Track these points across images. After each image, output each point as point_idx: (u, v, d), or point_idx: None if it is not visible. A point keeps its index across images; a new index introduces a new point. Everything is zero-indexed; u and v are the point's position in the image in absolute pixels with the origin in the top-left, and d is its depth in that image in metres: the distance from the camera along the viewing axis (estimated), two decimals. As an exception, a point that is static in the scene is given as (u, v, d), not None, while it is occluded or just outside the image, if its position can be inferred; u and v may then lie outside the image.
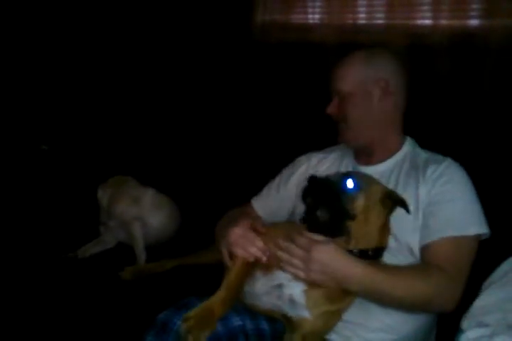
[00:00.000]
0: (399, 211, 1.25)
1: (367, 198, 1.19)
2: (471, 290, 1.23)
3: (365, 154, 1.42)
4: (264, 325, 1.30)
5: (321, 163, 1.50)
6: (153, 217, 1.93)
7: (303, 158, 1.54)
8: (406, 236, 1.28)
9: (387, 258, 1.25)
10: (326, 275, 1.15)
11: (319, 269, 1.15)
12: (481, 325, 1.10)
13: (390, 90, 1.36)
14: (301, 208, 1.36)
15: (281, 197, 1.52)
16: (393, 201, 1.22)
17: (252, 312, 1.28)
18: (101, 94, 2.62)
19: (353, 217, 1.18)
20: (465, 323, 1.14)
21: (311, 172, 1.45)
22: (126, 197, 1.93)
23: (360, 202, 1.18)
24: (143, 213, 1.91)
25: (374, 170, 1.38)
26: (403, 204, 1.21)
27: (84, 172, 2.36)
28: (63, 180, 2.35)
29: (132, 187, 1.96)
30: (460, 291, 1.22)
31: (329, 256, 1.15)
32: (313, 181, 1.20)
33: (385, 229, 1.23)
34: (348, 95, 1.37)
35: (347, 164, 1.46)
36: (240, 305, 1.28)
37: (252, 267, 1.26)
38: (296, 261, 1.17)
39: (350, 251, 1.18)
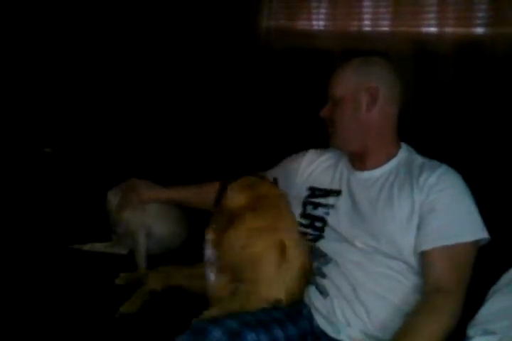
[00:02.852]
0: (390, 214, 1.30)
1: None
2: (476, 297, 1.23)
3: (358, 159, 1.45)
4: (279, 333, 1.28)
5: (320, 163, 1.56)
6: (160, 226, 1.90)
7: (305, 154, 1.61)
8: (397, 239, 1.30)
9: (379, 260, 1.28)
10: None
11: None
12: (487, 332, 1.11)
13: (380, 98, 1.38)
14: (297, 204, 1.50)
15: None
16: None
17: (264, 323, 1.28)
18: (106, 96, 2.61)
19: None
20: (471, 331, 1.14)
21: (310, 169, 1.54)
22: (133, 204, 1.91)
23: None
24: (149, 221, 1.88)
25: (369, 175, 1.42)
26: None
27: (90, 175, 2.34)
28: (68, 183, 2.33)
29: None
30: (463, 301, 1.23)
31: None
32: None
33: None
34: (339, 100, 1.41)
35: (342, 168, 1.50)
36: (252, 319, 1.27)
37: None
38: None
39: None
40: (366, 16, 2.03)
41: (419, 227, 1.29)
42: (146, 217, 1.88)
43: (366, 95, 1.38)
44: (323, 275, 1.39)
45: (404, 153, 1.44)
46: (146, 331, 1.49)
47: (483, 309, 1.16)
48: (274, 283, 1.36)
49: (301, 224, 1.49)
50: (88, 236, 2.01)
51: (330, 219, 1.44)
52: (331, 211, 1.44)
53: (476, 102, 1.82)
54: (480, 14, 1.82)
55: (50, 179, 2.38)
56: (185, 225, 1.96)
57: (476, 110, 1.82)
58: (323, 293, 1.38)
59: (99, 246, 1.99)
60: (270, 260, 1.36)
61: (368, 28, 2.04)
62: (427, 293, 1.25)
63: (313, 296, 1.39)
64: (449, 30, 1.87)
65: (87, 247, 1.97)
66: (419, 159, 1.41)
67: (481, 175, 1.53)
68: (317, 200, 1.49)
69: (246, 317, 1.27)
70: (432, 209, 1.29)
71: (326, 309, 1.35)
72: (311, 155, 1.60)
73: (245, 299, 1.35)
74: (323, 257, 1.41)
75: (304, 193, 1.53)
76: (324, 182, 1.51)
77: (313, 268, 1.43)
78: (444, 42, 1.87)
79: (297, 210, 1.51)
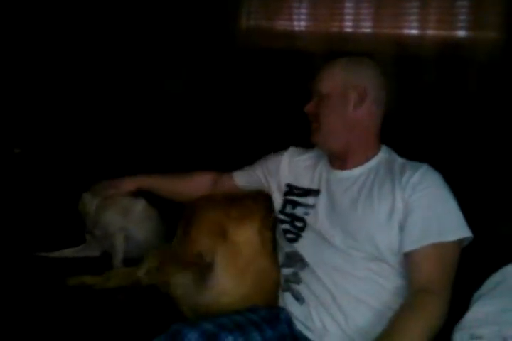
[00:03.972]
0: (370, 212, 1.29)
1: None
2: (460, 301, 1.23)
3: (338, 158, 1.44)
4: (256, 337, 1.27)
5: (300, 161, 1.55)
6: (139, 230, 1.87)
7: (285, 151, 1.60)
8: (377, 237, 1.28)
9: (358, 262, 1.28)
10: None
11: None
12: (474, 337, 1.10)
13: (367, 97, 1.38)
14: (277, 201, 1.51)
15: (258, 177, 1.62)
16: None
17: (241, 326, 1.27)
18: (76, 95, 2.56)
19: None
20: (457, 335, 1.14)
21: (290, 166, 1.54)
22: (115, 206, 1.87)
23: None
24: (129, 225, 1.85)
25: (349, 175, 1.41)
26: None
27: (61, 177, 2.28)
28: (38, 185, 2.27)
29: (124, 197, 1.89)
30: (449, 301, 1.22)
31: None
32: None
33: None
34: (326, 96, 1.40)
35: (322, 168, 1.48)
36: (229, 321, 1.27)
37: None
38: None
39: None
40: (348, 17, 2.02)
41: (402, 227, 1.28)
42: (126, 221, 1.84)
43: (354, 93, 1.38)
44: (299, 281, 1.38)
45: (384, 153, 1.43)
46: (123, 333, 1.46)
47: (470, 313, 1.15)
48: None
49: (282, 220, 1.48)
50: (59, 241, 1.95)
51: (309, 219, 1.42)
52: (310, 211, 1.43)
53: (458, 104, 1.83)
54: (461, 17, 1.83)
55: (19, 181, 2.32)
56: (163, 229, 1.93)
57: (457, 112, 1.83)
58: (298, 299, 1.36)
59: (68, 252, 1.93)
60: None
61: (349, 30, 2.03)
62: (412, 294, 1.24)
63: (289, 303, 1.38)
64: (430, 32, 1.87)
65: (54, 254, 1.91)
66: (399, 159, 1.41)
67: (462, 178, 1.52)
68: (296, 199, 1.48)
69: (222, 320, 1.27)
70: (415, 208, 1.28)
71: (303, 315, 1.34)
72: (291, 152, 1.59)
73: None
74: (301, 261, 1.39)
75: (283, 190, 1.53)
76: (303, 181, 1.50)
77: (289, 275, 1.42)
78: (426, 44, 1.87)
79: (278, 207, 1.52)
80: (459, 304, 1.22)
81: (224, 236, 1.49)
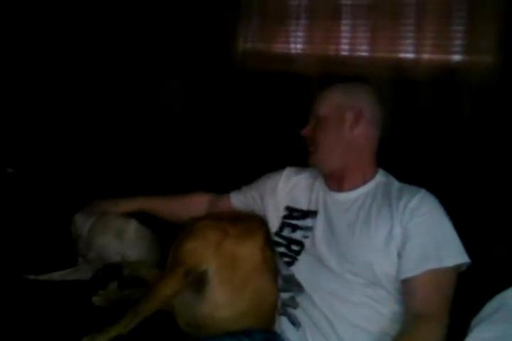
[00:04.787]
0: (367, 237, 1.29)
1: None
2: (457, 326, 1.20)
3: (335, 180, 1.43)
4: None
5: (297, 182, 1.54)
6: (134, 250, 1.83)
7: (283, 172, 1.59)
8: (374, 263, 1.27)
9: (355, 287, 1.26)
10: None
11: None
12: (474, 364, 1.07)
13: (363, 118, 1.39)
14: (274, 221, 1.48)
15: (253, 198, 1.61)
16: None
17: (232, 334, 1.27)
18: (69, 116, 2.55)
19: None
20: (456, 362, 1.10)
21: (288, 187, 1.53)
22: (109, 230, 1.84)
23: None
24: (125, 247, 1.82)
25: (346, 197, 1.40)
26: None
27: (54, 197, 2.25)
28: (31, 205, 2.23)
29: (115, 219, 1.86)
30: (447, 327, 1.20)
31: None
32: None
33: None
34: (323, 119, 1.42)
35: (318, 188, 1.48)
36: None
37: None
38: None
39: None
40: (344, 41, 2.04)
41: (400, 254, 1.27)
42: (121, 243, 1.81)
43: (350, 114, 1.39)
44: (295, 306, 1.35)
45: (381, 177, 1.43)
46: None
47: (469, 339, 1.12)
48: None
49: (277, 243, 1.46)
50: (48, 263, 1.90)
51: (307, 242, 1.40)
52: (309, 234, 1.41)
53: (453, 128, 1.84)
54: (456, 42, 1.85)
55: (12, 201, 2.29)
56: (159, 249, 1.90)
57: (452, 136, 1.84)
58: (295, 324, 1.34)
59: (58, 275, 1.88)
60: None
61: (345, 53, 2.05)
62: (409, 319, 1.22)
63: (285, 328, 1.35)
64: (426, 56, 1.89)
65: (44, 277, 1.86)
66: (396, 183, 1.41)
67: (455, 201, 1.51)
68: (295, 222, 1.46)
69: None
70: (413, 234, 1.27)
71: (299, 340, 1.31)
72: (288, 172, 1.58)
73: None
74: (297, 286, 1.37)
75: (282, 213, 1.51)
76: (301, 202, 1.49)
77: (286, 299, 1.39)
78: (421, 68, 1.89)
79: (273, 228, 1.50)
80: (456, 330, 1.20)
81: (218, 248, 1.46)
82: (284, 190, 1.54)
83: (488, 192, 1.67)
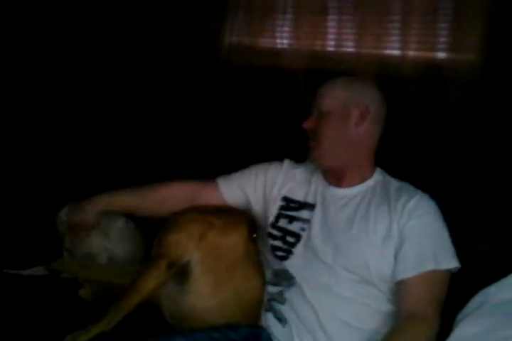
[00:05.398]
0: (365, 233, 1.29)
1: None
2: (444, 321, 1.22)
3: (334, 176, 1.43)
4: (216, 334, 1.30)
5: (295, 174, 1.52)
6: (122, 248, 1.82)
7: (282, 163, 1.56)
8: (369, 259, 1.28)
9: (347, 283, 1.27)
10: None
11: None
12: (459, 358, 1.08)
13: (369, 116, 1.37)
14: (272, 211, 1.46)
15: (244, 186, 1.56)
16: None
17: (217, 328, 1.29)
18: (63, 111, 2.50)
19: None
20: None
21: (286, 179, 1.50)
22: (96, 228, 1.82)
23: None
24: (112, 244, 1.81)
25: (345, 193, 1.40)
26: None
27: (39, 189, 2.23)
28: (12, 198, 2.20)
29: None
30: (438, 327, 1.22)
31: None
32: None
33: None
34: (327, 113, 1.39)
35: (317, 182, 1.46)
36: (206, 338, 1.28)
37: None
38: None
39: None
40: (330, 36, 2.03)
41: (397, 255, 1.27)
42: (108, 240, 1.80)
43: (356, 110, 1.37)
44: (283, 301, 1.35)
45: (379, 175, 1.44)
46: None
47: (454, 334, 1.14)
48: None
49: (272, 236, 1.45)
50: (31, 257, 1.88)
51: (304, 235, 1.40)
52: (306, 226, 1.41)
53: (438, 124, 1.84)
54: (442, 39, 1.86)
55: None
56: (145, 247, 1.89)
57: (437, 132, 1.84)
58: (281, 320, 1.34)
59: (40, 270, 1.86)
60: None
61: (331, 49, 2.04)
62: (402, 319, 1.23)
63: (271, 323, 1.36)
64: (411, 53, 1.89)
65: (26, 272, 1.84)
66: (394, 183, 1.42)
67: (441, 198, 1.52)
68: (292, 213, 1.45)
69: (199, 336, 1.27)
70: (410, 235, 1.28)
71: (285, 337, 1.32)
72: (287, 164, 1.56)
73: None
74: (288, 280, 1.37)
75: (278, 203, 1.49)
76: (299, 194, 1.48)
77: (274, 293, 1.39)
78: (407, 65, 1.89)
79: (270, 217, 1.48)
80: (442, 325, 1.22)
81: (202, 239, 1.46)
82: (284, 181, 1.52)
83: (471, 189, 1.68)
